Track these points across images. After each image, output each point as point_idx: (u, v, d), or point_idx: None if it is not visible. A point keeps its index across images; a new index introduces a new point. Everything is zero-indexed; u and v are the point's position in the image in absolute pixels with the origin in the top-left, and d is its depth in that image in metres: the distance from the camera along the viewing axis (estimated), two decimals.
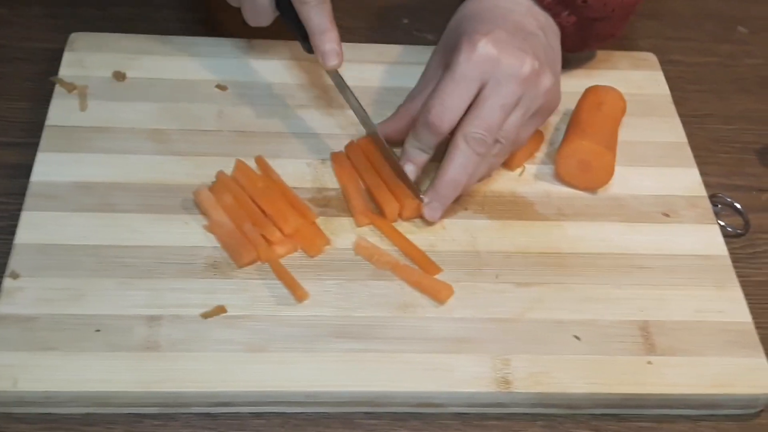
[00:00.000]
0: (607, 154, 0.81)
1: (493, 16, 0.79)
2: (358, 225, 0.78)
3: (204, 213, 0.77)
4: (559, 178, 0.84)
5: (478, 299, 0.74)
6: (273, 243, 0.75)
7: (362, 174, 0.81)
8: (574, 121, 0.86)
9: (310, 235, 0.76)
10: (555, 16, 0.83)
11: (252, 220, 0.76)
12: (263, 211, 0.77)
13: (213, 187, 0.79)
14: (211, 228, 0.76)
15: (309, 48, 0.80)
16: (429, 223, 0.79)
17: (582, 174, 0.82)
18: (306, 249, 0.76)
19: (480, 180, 0.80)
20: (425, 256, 0.76)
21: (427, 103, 0.76)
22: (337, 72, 0.80)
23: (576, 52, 0.90)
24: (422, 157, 0.78)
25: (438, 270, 0.76)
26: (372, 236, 0.78)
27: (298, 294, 0.73)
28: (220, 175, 0.79)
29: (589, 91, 0.88)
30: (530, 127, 0.80)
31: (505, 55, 0.75)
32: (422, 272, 0.75)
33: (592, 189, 0.83)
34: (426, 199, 0.78)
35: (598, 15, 0.85)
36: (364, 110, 0.81)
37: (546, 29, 0.82)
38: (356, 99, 0.81)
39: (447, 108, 0.75)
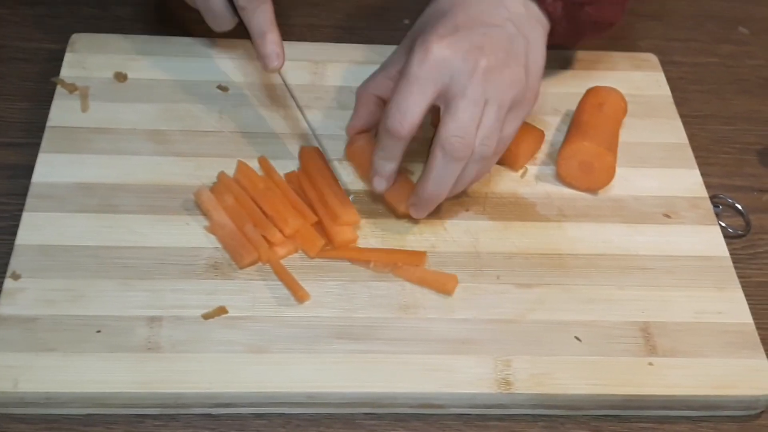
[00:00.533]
0: (608, 155, 0.81)
1: (457, 11, 0.77)
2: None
3: (205, 214, 0.77)
4: (561, 179, 0.84)
5: (480, 300, 0.74)
6: (274, 244, 0.75)
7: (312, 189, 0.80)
8: (575, 122, 0.86)
9: (310, 236, 0.76)
10: (540, 3, 0.81)
11: (253, 220, 0.76)
12: (264, 212, 0.77)
13: (214, 188, 0.79)
14: (212, 229, 0.76)
15: None
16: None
17: (583, 175, 0.82)
18: (306, 250, 0.76)
19: (477, 180, 0.79)
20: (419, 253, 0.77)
21: (386, 110, 0.75)
22: (280, 74, 0.82)
23: (574, 44, 0.88)
24: (389, 168, 0.77)
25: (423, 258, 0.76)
26: (374, 237, 0.78)
27: (298, 295, 0.73)
28: (222, 175, 0.79)
29: (590, 92, 0.88)
30: (513, 123, 0.77)
31: (459, 56, 0.73)
32: (424, 268, 0.76)
33: (593, 190, 0.83)
34: (411, 200, 0.77)
35: None
36: (304, 115, 0.84)
37: (518, 20, 0.78)
38: (299, 105, 0.83)
39: (404, 111, 0.73)
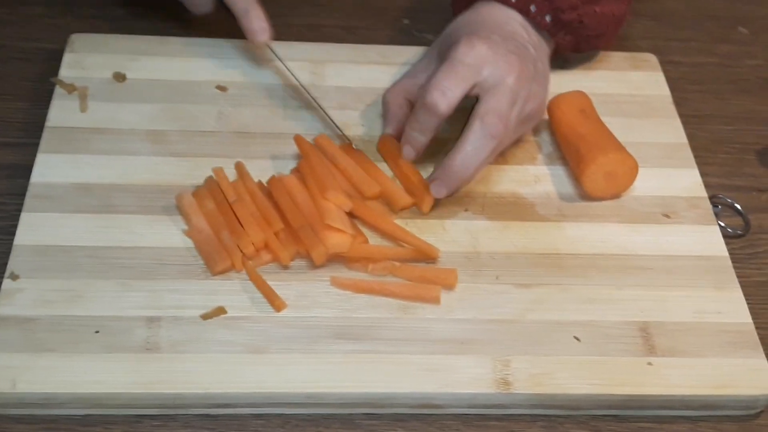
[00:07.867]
0: (629, 157, 0.81)
1: (489, 26, 0.82)
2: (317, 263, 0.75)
3: (184, 217, 0.77)
4: (588, 197, 0.82)
5: (479, 300, 0.74)
6: (247, 254, 0.74)
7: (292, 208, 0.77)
8: (571, 138, 0.83)
9: (275, 247, 0.74)
10: (552, 35, 0.86)
11: (229, 228, 0.75)
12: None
13: (196, 192, 0.78)
14: (189, 233, 0.76)
15: None
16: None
17: (609, 184, 0.81)
18: (277, 260, 0.75)
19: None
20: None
21: (426, 86, 0.77)
22: (268, 47, 0.86)
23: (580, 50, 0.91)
24: (421, 140, 0.79)
25: (436, 253, 0.76)
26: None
27: (275, 304, 0.72)
28: (208, 179, 0.79)
29: (559, 102, 0.86)
30: (521, 129, 0.82)
31: (500, 57, 0.77)
32: (423, 267, 0.75)
33: (618, 194, 0.83)
34: (436, 174, 0.78)
35: (594, 33, 0.87)
36: (304, 88, 0.86)
37: (537, 46, 0.84)
38: (296, 77, 0.86)
39: (445, 89, 0.76)
